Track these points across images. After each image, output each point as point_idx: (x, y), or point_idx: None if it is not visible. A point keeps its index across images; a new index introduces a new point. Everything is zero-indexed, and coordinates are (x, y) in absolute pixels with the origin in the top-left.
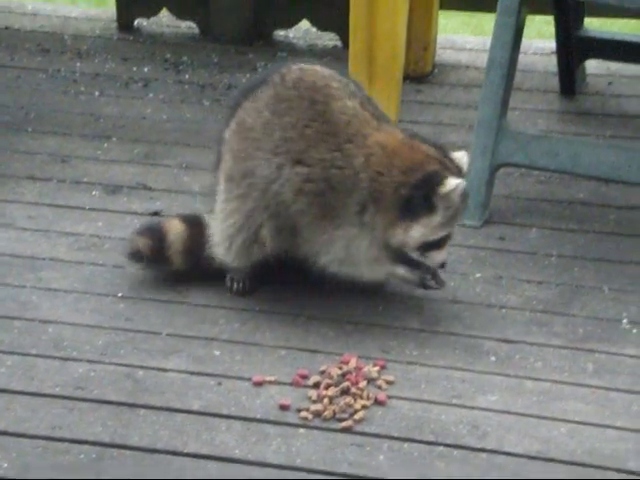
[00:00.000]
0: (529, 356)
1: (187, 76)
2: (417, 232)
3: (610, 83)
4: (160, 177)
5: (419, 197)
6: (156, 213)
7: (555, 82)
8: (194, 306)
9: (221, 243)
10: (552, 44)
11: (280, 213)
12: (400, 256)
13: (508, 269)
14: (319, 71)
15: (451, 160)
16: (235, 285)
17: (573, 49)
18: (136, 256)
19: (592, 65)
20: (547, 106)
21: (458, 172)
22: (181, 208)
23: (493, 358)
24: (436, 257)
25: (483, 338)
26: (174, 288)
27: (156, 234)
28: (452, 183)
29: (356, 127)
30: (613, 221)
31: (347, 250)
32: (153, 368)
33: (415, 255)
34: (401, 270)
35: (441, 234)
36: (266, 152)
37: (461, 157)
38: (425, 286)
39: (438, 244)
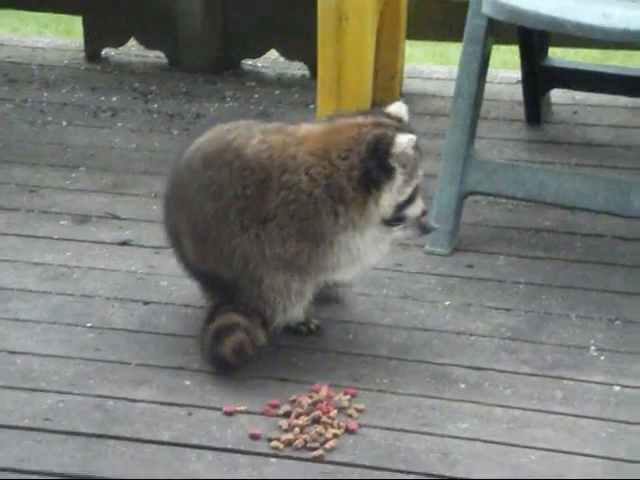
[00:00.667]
0: (498, 383)
1: (156, 105)
2: (386, 200)
3: (575, 112)
4: (129, 206)
5: (373, 168)
6: (125, 243)
7: (521, 111)
8: (163, 336)
9: (282, 311)
10: (517, 74)
11: (291, 262)
12: (389, 222)
13: (477, 297)
14: (214, 134)
15: (388, 115)
16: (306, 328)
17: (538, 79)
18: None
19: (557, 94)
20: (513, 135)
21: (400, 125)
22: (150, 237)
23: (463, 385)
24: (413, 211)
25: (453, 365)
26: (143, 318)
27: (227, 330)
28: (401, 140)
29: (279, 156)
30: (579, 248)
31: (352, 255)
32: (123, 398)
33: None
34: (400, 234)
35: (409, 190)
36: (237, 233)
37: (398, 108)
38: (427, 230)
39: (410, 200)
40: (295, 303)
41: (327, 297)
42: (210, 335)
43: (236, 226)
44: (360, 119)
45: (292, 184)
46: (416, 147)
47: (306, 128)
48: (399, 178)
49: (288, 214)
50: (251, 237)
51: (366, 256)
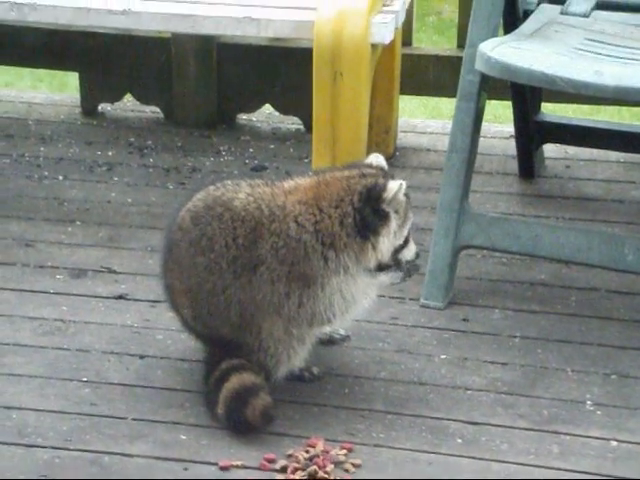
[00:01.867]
0: (495, 438)
1: (151, 160)
2: (384, 245)
3: (568, 166)
4: (125, 260)
5: (369, 214)
6: (121, 296)
7: (514, 165)
8: (159, 390)
9: (285, 361)
10: (510, 128)
11: (283, 306)
12: (384, 266)
13: (472, 350)
14: (202, 195)
15: (371, 167)
16: (309, 374)
17: (531, 133)
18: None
19: (550, 149)
20: (507, 189)
21: (385, 174)
22: (146, 291)
23: (459, 440)
24: (408, 254)
25: (449, 420)
26: (139, 372)
27: (249, 392)
28: (393, 186)
29: (267, 206)
30: (575, 302)
31: (345, 299)
32: (118, 454)
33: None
34: (385, 278)
35: (404, 233)
36: (230, 282)
37: (375, 159)
38: (410, 273)
39: (405, 243)
40: (298, 350)
41: (325, 342)
42: (228, 396)
43: (229, 275)
44: (346, 172)
45: (281, 231)
46: (406, 192)
47: (294, 181)
48: (394, 223)
49: (278, 259)
50: (243, 283)
51: (359, 301)
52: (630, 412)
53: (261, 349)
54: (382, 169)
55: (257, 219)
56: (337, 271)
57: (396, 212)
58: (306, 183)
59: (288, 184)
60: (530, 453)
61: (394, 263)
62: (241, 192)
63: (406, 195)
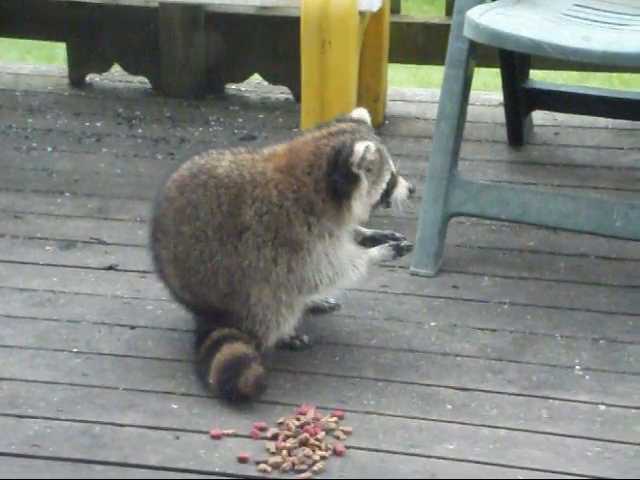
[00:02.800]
0: (485, 404)
1: (140, 130)
2: (358, 207)
3: (557, 133)
4: (114, 231)
5: (338, 179)
6: (111, 267)
7: (503, 133)
8: (150, 360)
9: (275, 328)
10: (499, 96)
11: (271, 272)
12: (365, 240)
13: (462, 317)
14: (186, 164)
15: (346, 122)
16: (300, 342)
17: (520, 101)
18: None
19: (539, 116)
20: (496, 156)
21: (360, 128)
22: (136, 262)
23: (449, 406)
24: (399, 194)
25: (439, 386)
26: (129, 343)
27: (242, 363)
28: (359, 149)
29: (249, 173)
30: (563, 268)
31: (332, 265)
32: (110, 423)
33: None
34: (376, 253)
35: (382, 187)
36: (217, 250)
37: (359, 113)
38: (401, 251)
39: (391, 188)
40: (287, 317)
41: (315, 310)
42: (220, 366)
43: (215, 242)
44: (317, 133)
45: (264, 197)
46: (378, 148)
47: (272, 148)
48: (365, 183)
49: (262, 224)
50: (229, 250)
51: (346, 267)
52: (618, 376)
53: (250, 316)
54: (360, 123)
55: (240, 185)
56: (322, 235)
57: (368, 170)
58: (281, 150)
59: (267, 151)
60: (519, 418)
61: (386, 206)
62: (224, 160)
63: (378, 151)
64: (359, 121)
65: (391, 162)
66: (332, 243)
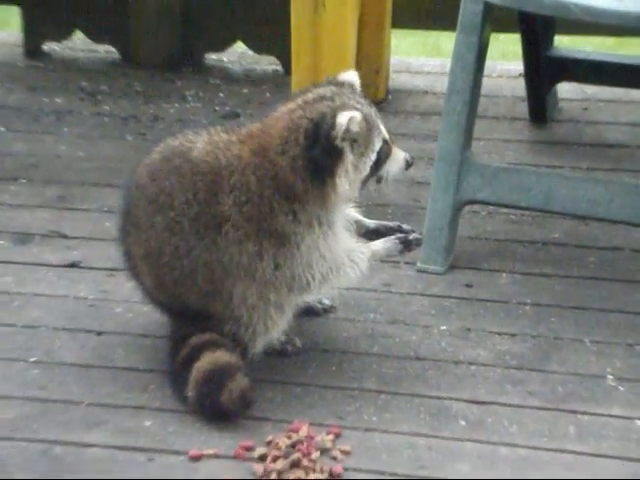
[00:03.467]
0: (503, 419)
1: (106, 107)
2: (344, 184)
3: (585, 109)
4: (78, 223)
5: (319, 154)
6: (74, 264)
7: (524, 108)
8: (119, 370)
9: (263, 332)
10: (519, 66)
11: (256, 268)
12: (368, 233)
13: (477, 320)
14: (159, 147)
15: (327, 86)
16: (292, 347)
17: (543, 71)
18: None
19: (565, 89)
20: (515, 135)
21: (340, 93)
22: (102, 258)
23: (462, 422)
24: (392, 167)
25: (450, 399)
26: (95, 351)
27: (224, 374)
28: (342, 120)
29: (224, 156)
30: (593, 264)
31: (324, 258)
32: (73, 443)
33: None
34: (379, 247)
35: (370, 159)
36: (194, 244)
37: (346, 76)
38: (409, 245)
39: (383, 159)
40: (276, 319)
41: (307, 312)
42: (199, 378)
43: (192, 235)
44: (290, 104)
45: (242, 185)
46: (364, 117)
47: (248, 127)
48: (351, 156)
49: (243, 215)
50: (208, 244)
51: (342, 267)
52: None
53: (233, 319)
54: (343, 86)
55: (216, 171)
56: (310, 224)
57: (354, 142)
58: (256, 127)
59: (244, 130)
60: (543, 435)
61: (378, 180)
62: (199, 141)
63: (365, 119)
64: (342, 83)
65: (382, 128)
66: (323, 233)
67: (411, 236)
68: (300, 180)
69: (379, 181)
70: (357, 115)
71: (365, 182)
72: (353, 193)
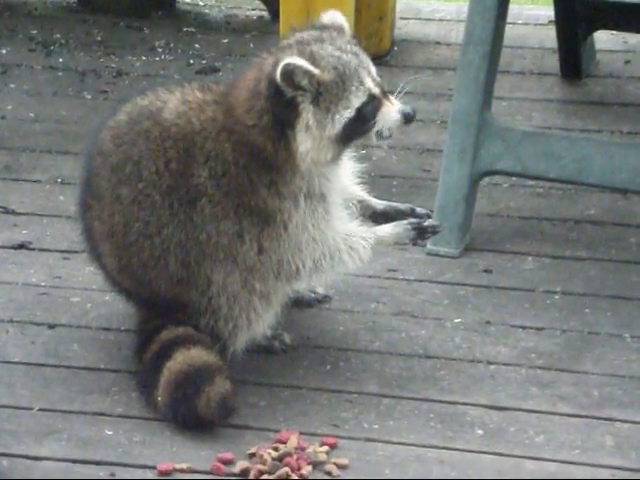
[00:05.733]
0: (528, 428)
1: (61, 60)
2: (306, 140)
3: (628, 62)
4: (27, 197)
5: (274, 105)
6: (22, 246)
7: (554, 61)
8: (76, 370)
9: (245, 326)
10: (549, 11)
11: (238, 251)
12: (375, 216)
13: (497, 312)
14: (126, 106)
15: (308, 31)
16: (280, 343)
17: (577, 17)
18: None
19: (603, 38)
20: (544, 94)
21: (314, 38)
22: (56, 238)
23: (480, 431)
24: (384, 122)
25: (466, 404)
26: (48, 347)
27: (201, 377)
28: (280, 66)
29: (198, 119)
30: (635, 245)
31: (314, 238)
32: (22, 456)
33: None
34: (386, 231)
35: (347, 113)
36: (167, 220)
37: (330, 17)
38: (423, 233)
39: (370, 114)
40: (261, 312)
41: (298, 303)
42: (172, 380)
43: (164, 210)
44: (264, 53)
45: (217, 153)
46: (334, 65)
47: (229, 82)
48: (309, 108)
49: (220, 189)
50: (183, 221)
51: (338, 253)
52: None
53: (211, 310)
54: (327, 30)
55: (189, 136)
56: (294, 198)
57: (319, 94)
58: (229, 85)
59: (221, 88)
60: (575, 447)
61: (391, 207)
62: (171, 100)
63: (335, 69)
64: (328, 27)
65: (369, 80)
66: (312, 210)
67: (426, 222)
68: (268, 140)
69: (372, 138)
70: (298, 63)
71: (343, 144)
72: (321, 154)
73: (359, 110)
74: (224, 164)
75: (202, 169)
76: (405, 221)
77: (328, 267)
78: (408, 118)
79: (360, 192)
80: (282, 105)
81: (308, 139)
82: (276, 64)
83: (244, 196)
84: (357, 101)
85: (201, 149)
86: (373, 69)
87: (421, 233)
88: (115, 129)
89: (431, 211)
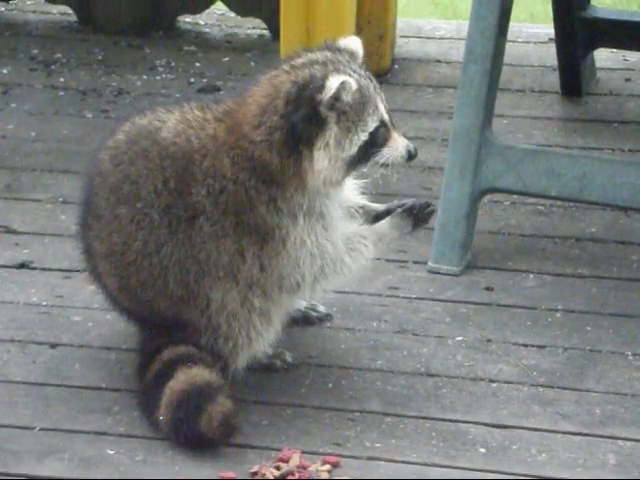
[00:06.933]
0: (530, 446)
1: (62, 79)
2: (322, 159)
3: (628, 80)
4: (28, 216)
5: (299, 121)
6: (24, 265)
7: (554, 79)
8: (77, 390)
9: (246, 344)
10: (550, 29)
11: (238, 269)
12: (378, 218)
13: (499, 330)
14: (124, 126)
15: (322, 52)
16: (281, 361)
17: (578, 36)
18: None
19: (603, 56)
20: (545, 111)
21: (336, 60)
22: (57, 257)
23: (482, 450)
24: (390, 154)
25: (468, 423)
26: (49, 366)
27: (203, 396)
28: (332, 84)
29: (197, 137)
30: (637, 263)
31: (312, 254)
32: (23, 476)
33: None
34: (384, 226)
35: (362, 137)
36: (165, 239)
37: (346, 42)
38: (419, 216)
39: (378, 143)
40: (262, 330)
41: (299, 321)
42: (174, 400)
43: (162, 229)
44: (275, 71)
45: (215, 170)
46: (360, 86)
47: (228, 102)
48: (335, 128)
49: (218, 207)
50: (181, 240)
51: (338, 258)
52: None
53: (211, 329)
54: (341, 53)
55: (188, 155)
56: (293, 215)
57: (343, 114)
58: (232, 102)
59: (223, 106)
60: (577, 465)
61: (369, 166)
62: (170, 119)
63: (360, 91)
64: (341, 50)
65: (382, 107)
66: (310, 227)
67: (417, 204)
68: (276, 156)
69: (372, 166)
70: (351, 82)
71: (352, 167)
72: (334, 175)
73: (372, 134)
74: (222, 181)
75: (200, 187)
76: (398, 210)
77: (331, 274)
78: (410, 156)
79: (360, 199)
80: (305, 119)
81: (325, 158)
82: (312, 81)
83: (242, 214)
84: (372, 125)
85: (199, 167)
86: (384, 96)
87: (418, 217)
88: (114, 149)
89: (428, 203)
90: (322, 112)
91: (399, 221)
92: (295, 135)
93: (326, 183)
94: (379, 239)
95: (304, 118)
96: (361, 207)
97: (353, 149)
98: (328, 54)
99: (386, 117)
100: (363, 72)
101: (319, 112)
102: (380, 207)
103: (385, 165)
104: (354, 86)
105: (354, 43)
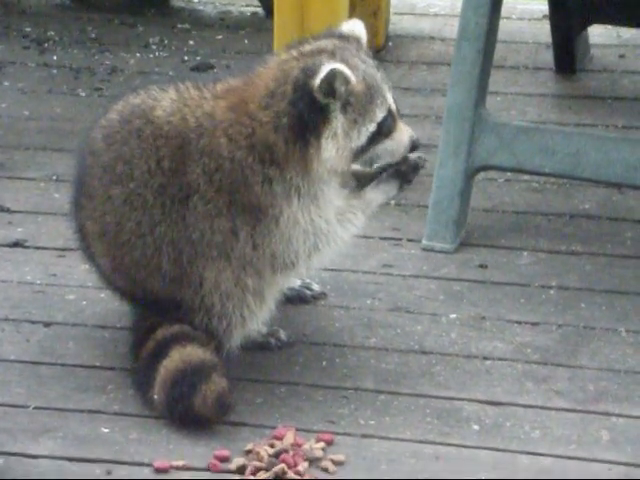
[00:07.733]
0: (523, 423)
1: (55, 57)
2: (330, 149)
3: (622, 56)
4: (21, 194)
5: (305, 109)
6: (18, 244)
7: (548, 56)
8: (71, 368)
9: (240, 323)
10: (543, 5)
11: (231, 248)
12: (358, 179)
13: (492, 307)
14: (117, 105)
15: (330, 39)
16: (276, 339)
17: (571, 12)
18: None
19: (597, 32)
20: (539, 88)
21: (344, 48)
22: (51, 236)
23: (476, 427)
24: (395, 145)
25: (462, 400)
26: (43, 345)
27: (197, 375)
28: (323, 71)
29: (194, 115)
30: (630, 240)
31: (306, 232)
32: (18, 454)
33: (365, 166)
34: (375, 193)
35: (370, 128)
36: (159, 219)
37: (350, 26)
38: (406, 174)
39: (384, 133)
40: (255, 309)
41: (293, 299)
42: (169, 378)
43: (156, 209)
44: (284, 55)
45: (212, 149)
46: (364, 76)
47: (227, 81)
48: (341, 118)
49: (213, 186)
50: (175, 219)
51: (330, 232)
52: None
53: (204, 308)
54: (349, 41)
55: (184, 133)
56: (288, 196)
57: (348, 104)
58: (237, 82)
59: (221, 85)
60: (571, 442)
61: (372, 160)
62: (165, 98)
63: (365, 82)
64: (348, 37)
65: (390, 97)
66: (304, 207)
67: (403, 167)
68: (282, 140)
69: (374, 162)
70: (343, 69)
71: (358, 156)
72: (340, 164)
73: (379, 125)
74: (218, 159)
75: (195, 165)
76: (385, 173)
77: (325, 248)
78: (414, 147)
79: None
80: (313, 111)
81: (333, 148)
82: (310, 69)
83: (237, 193)
84: (380, 115)
85: (195, 145)
86: (390, 84)
87: (405, 175)
88: (107, 128)
89: (421, 157)
90: (317, 98)
91: (385, 185)
92: (302, 123)
93: (332, 171)
94: (367, 205)
95: (307, 105)
96: (353, 174)
97: (362, 139)
98: (337, 42)
99: (393, 106)
100: (370, 61)
101: (315, 99)
102: (366, 170)
103: (392, 155)
104: (345, 73)
105: (358, 28)
